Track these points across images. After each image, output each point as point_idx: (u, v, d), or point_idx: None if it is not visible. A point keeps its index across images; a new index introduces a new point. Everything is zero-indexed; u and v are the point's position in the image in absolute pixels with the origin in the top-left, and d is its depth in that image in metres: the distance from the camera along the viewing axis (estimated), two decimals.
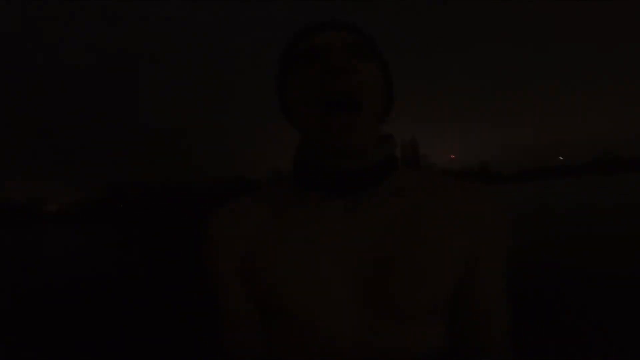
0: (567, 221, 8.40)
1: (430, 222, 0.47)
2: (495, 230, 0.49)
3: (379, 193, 0.49)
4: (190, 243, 9.65)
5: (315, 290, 0.46)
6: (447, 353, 0.49)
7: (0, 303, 4.67)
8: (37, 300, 4.88)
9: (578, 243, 5.76)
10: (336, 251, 0.47)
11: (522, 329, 2.41)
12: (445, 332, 0.49)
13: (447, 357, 0.48)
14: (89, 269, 7.33)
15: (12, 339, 3.36)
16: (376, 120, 0.50)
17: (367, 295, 0.46)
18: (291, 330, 0.48)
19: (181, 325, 3.19)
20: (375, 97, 0.49)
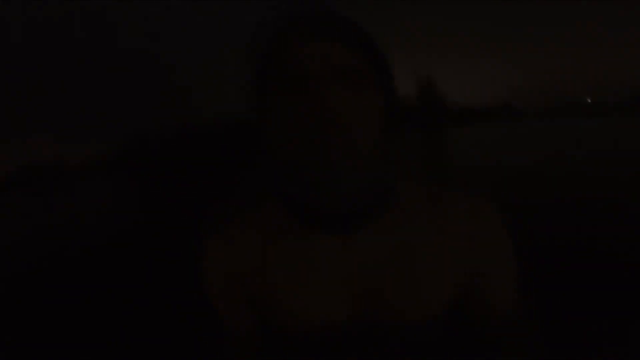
0: (590, 163, 7.65)
1: (427, 248, 0.47)
2: (497, 246, 0.49)
3: (376, 227, 0.48)
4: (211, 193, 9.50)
5: (312, 307, 0.47)
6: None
7: (27, 261, 4.65)
8: (62, 257, 4.86)
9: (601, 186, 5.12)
10: (332, 282, 0.47)
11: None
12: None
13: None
14: (113, 224, 7.26)
15: (40, 296, 3.33)
16: (375, 149, 0.44)
17: (360, 313, 0.48)
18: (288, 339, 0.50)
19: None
20: (370, 130, 0.43)
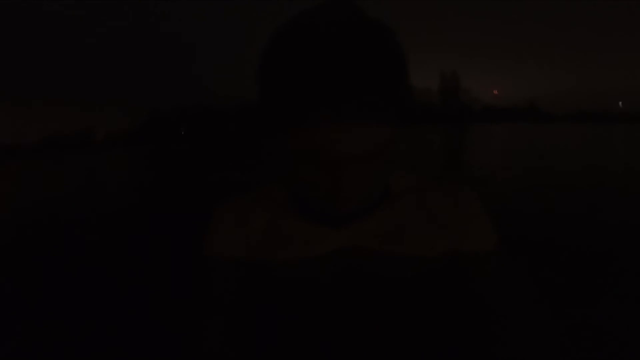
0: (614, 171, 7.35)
1: (413, 228, 0.53)
2: (476, 226, 0.53)
3: (369, 218, 0.53)
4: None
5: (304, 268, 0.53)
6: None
7: (57, 233, 4.88)
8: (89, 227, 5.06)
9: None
10: (325, 255, 0.53)
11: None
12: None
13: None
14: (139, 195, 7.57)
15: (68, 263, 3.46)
16: (385, 167, 0.46)
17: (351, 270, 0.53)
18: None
19: None
20: (383, 156, 0.43)
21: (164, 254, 3.39)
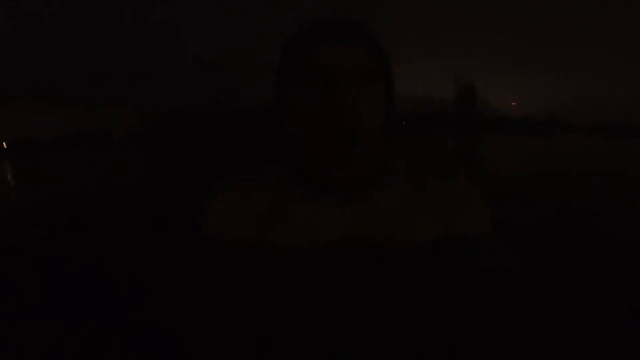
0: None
1: (409, 207, 0.55)
2: (468, 207, 0.56)
3: (368, 193, 0.55)
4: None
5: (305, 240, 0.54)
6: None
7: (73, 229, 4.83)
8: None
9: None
10: (327, 234, 0.54)
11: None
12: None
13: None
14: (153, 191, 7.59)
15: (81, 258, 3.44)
16: (378, 137, 0.52)
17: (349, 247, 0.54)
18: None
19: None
20: (377, 121, 0.51)
21: (164, 251, 3.29)
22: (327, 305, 0.53)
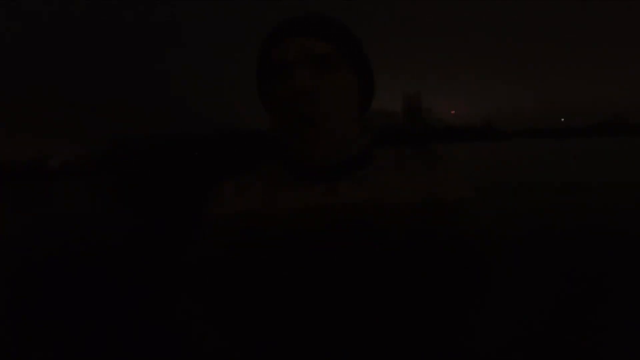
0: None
1: (393, 189, 0.58)
2: (452, 178, 0.61)
3: (354, 177, 0.59)
4: (193, 197, 9.46)
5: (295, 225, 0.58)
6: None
7: (8, 260, 4.65)
8: (45, 257, 4.77)
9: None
10: (316, 220, 0.58)
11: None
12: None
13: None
14: (97, 226, 7.10)
15: (20, 299, 3.27)
16: (350, 119, 0.57)
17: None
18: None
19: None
20: (344, 103, 0.55)
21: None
22: (318, 279, 0.52)
